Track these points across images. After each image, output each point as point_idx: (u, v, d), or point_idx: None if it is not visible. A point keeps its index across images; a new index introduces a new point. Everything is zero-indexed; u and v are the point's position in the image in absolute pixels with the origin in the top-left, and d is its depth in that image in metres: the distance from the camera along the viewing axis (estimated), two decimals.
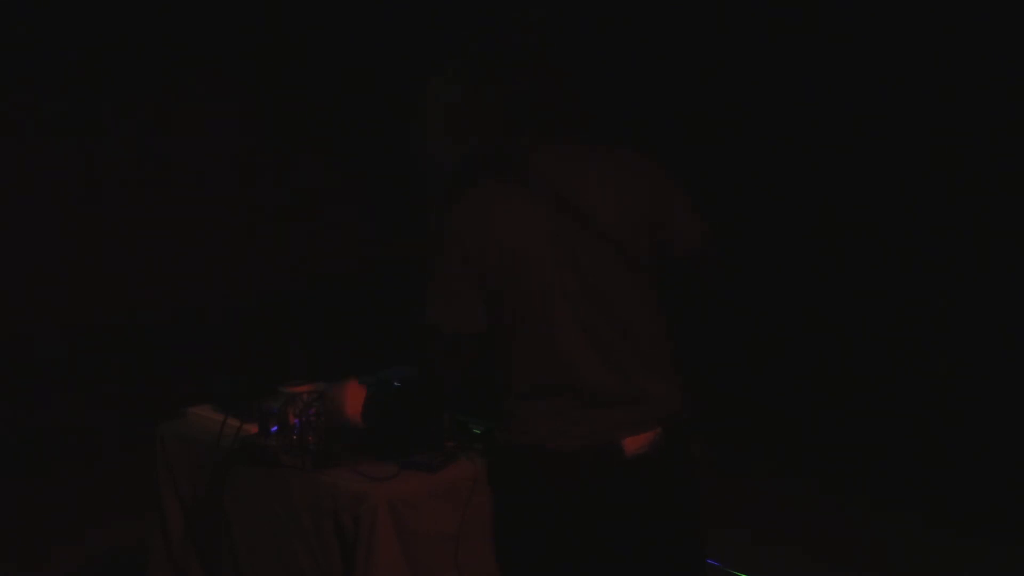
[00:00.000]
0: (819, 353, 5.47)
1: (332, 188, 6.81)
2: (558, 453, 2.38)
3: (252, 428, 2.72)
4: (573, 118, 2.45)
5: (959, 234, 5.04)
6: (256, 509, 2.69)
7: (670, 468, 2.44)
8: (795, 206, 5.46)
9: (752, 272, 5.17)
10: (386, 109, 6.79)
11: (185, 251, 6.23)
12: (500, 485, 2.51)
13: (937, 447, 4.96)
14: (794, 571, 4.07)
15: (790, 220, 5.50)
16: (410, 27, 6.57)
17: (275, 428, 2.67)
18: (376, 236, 6.90)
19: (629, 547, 2.45)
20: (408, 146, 6.12)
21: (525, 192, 2.38)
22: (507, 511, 2.50)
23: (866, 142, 5.25)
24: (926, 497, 4.68)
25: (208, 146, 6.36)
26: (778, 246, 5.53)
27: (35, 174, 5.80)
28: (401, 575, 2.41)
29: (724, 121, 5.64)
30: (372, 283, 6.65)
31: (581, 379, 2.38)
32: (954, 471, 4.80)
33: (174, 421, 3.04)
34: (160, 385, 5.77)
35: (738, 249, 2.59)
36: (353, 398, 2.56)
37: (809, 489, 4.88)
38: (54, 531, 4.56)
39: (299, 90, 6.61)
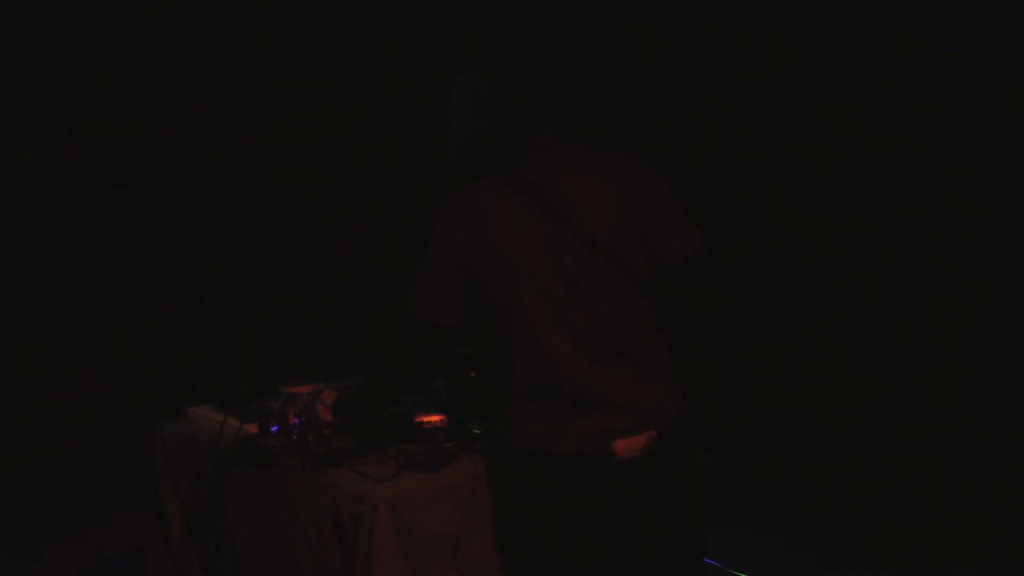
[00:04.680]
0: (819, 353, 5.47)
1: (332, 188, 6.81)
2: (551, 455, 2.39)
3: (252, 428, 2.72)
4: (570, 123, 2.45)
5: (958, 235, 5.04)
6: (256, 509, 2.70)
7: (666, 471, 2.44)
8: (793, 208, 5.46)
9: (751, 273, 5.18)
10: (386, 108, 6.79)
11: (185, 251, 6.24)
12: (498, 486, 2.52)
13: (937, 446, 4.96)
14: (794, 571, 4.07)
15: (789, 222, 5.50)
16: (410, 28, 6.57)
17: (275, 428, 2.67)
18: (376, 236, 6.90)
19: (624, 549, 2.45)
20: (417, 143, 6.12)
21: (518, 196, 2.39)
22: (505, 512, 2.51)
23: (864, 145, 5.26)
24: (926, 496, 4.68)
25: (208, 146, 6.36)
26: (777, 248, 5.53)
27: (35, 174, 5.80)
28: (401, 575, 2.41)
29: (721, 125, 5.64)
30: (371, 283, 6.65)
31: (570, 383, 2.38)
32: (954, 470, 4.80)
33: (174, 421, 3.04)
34: (160, 385, 5.78)
35: (736, 251, 2.59)
36: (326, 401, 2.68)
37: (809, 489, 4.88)
38: (54, 531, 4.56)
39: (299, 90, 6.61)
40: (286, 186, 6.65)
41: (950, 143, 4.97)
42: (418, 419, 2.69)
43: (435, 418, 2.69)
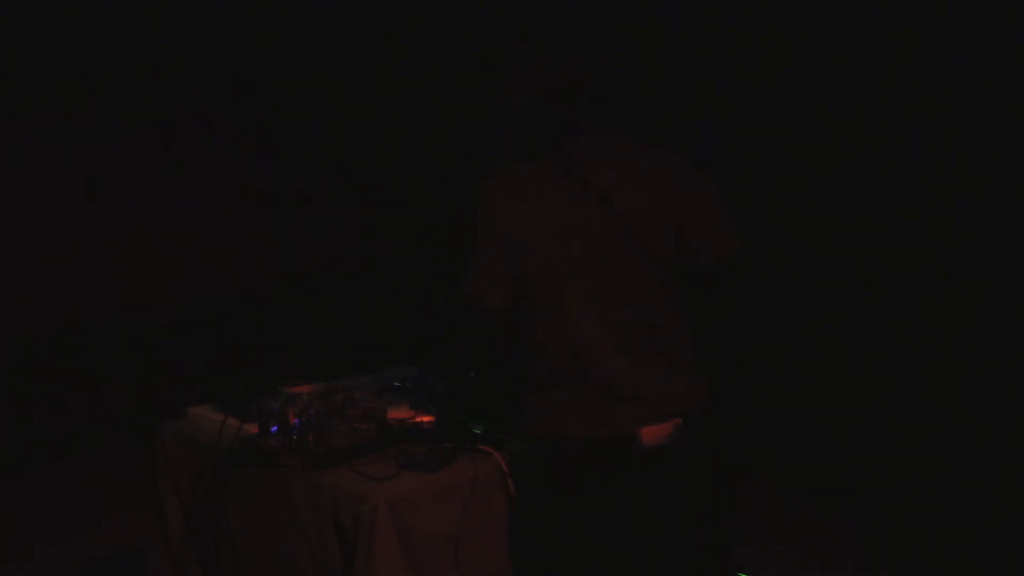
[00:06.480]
0: (819, 353, 5.46)
1: (332, 188, 6.81)
2: (573, 441, 2.40)
3: (252, 428, 2.72)
4: (624, 115, 2.46)
5: (958, 235, 5.04)
6: (256, 509, 2.70)
7: (689, 461, 2.45)
8: (793, 208, 5.46)
9: (751, 273, 5.16)
10: (386, 109, 6.79)
11: (184, 251, 6.23)
12: (518, 470, 2.54)
13: (938, 446, 4.96)
14: (794, 571, 4.06)
15: (789, 222, 5.49)
16: (410, 28, 6.57)
17: (275, 428, 2.67)
18: (376, 236, 6.90)
19: (646, 536, 2.47)
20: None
21: (562, 181, 2.42)
22: (525, 496, 2.53)
23: (863, 145, 5.25)
24: (926, 496, 4.69)
25: (208, 145, 6.36)
26: (777, 248, 5.52)
27: (35, 174, 5.80)
28: (401, 575, 2.41)
29: (721, 125, 5.64)
30: (371, 283, 6.65)
31: (598, 371, 2.41)
32: (955, 470, 4.80)
33: (174, 421, 3.04)
34: (160, 385, 5.77)
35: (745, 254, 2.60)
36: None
37: (809, 489, 4.88)
38: (54, 531, 4.55)
39: (299, 90, 6.61)
40: (286, 186, 6.64)
41: (950, 143, 4.97)
42: (418, 419, 2.69)
43: (426, 418, 2.71)
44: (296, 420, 2.60)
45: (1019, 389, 4.83)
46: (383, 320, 6.34)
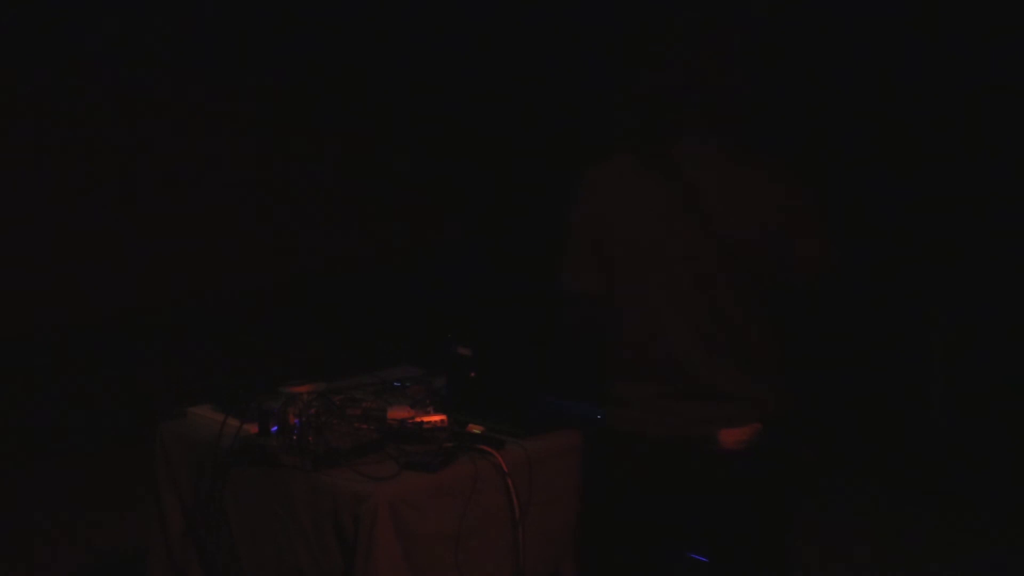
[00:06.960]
0: (819, 354, 5.46)
1: (333, 188, 6.81)
2: (649, 438, 2.44)
3: (252, 428, 2.72)
4: (730, 117, 2.46)
5: (958, 235, 5.04)
6: (256, 509, 2.70)
7: (766, 465, 2.47)
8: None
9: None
10: (387, 108, 6.79)
11: (185, 251, 6.23)
12: (592, 461, 2.60)
13: (939, 445, 4.96)
14: (794, 571, 4.06)
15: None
16: (412, 27, 6.57)
17: (275, 428, 2.67)
18: (376, 236, 6.90)
19: (714, 534, 2.51)
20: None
21: (659, 179, 2.43)
22: (595, 488, 2.58)
23: (865, 145, 5.25)
24: (926, 495, 4.69)
25: (208, 145, 6.35)
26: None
27: (34, 172, 5.80)
28: (401, 575, 2.41)
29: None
30: (372, 283, 6.65)
31: (680, 370, 2.43)
32: (956, 470, 4.80)
33: (174, 421, 3.05)
34: (160, 385, 5.77)
35: None
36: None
37: (809, 489, 4.88)
38: (54, 531, 4.56)
39: (301, 88, 6.61)
40: (286, 186, 6.64)
41: (951, 143, 4.97)
42: (418, 419, 2.69)
43: (435, 418, 2.69)
44: (296, 420, 2.60)
45: (1019, 388, 4.83)
46: (383, 320, 6.34)
